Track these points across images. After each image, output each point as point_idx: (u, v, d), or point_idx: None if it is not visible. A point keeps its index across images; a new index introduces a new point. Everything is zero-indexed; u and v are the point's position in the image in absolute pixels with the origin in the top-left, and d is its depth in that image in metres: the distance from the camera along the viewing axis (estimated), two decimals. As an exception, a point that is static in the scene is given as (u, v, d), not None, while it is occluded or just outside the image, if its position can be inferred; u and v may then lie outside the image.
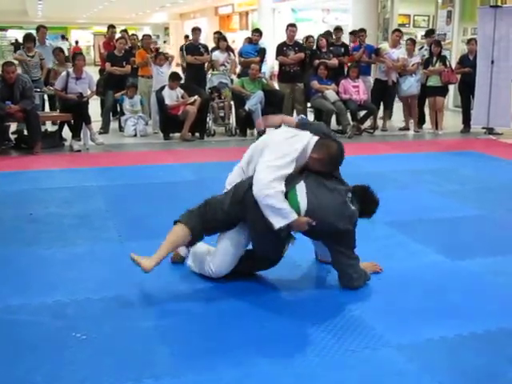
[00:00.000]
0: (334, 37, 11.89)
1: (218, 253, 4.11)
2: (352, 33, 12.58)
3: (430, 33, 12.24)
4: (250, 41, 12.28)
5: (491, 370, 3.14)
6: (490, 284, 4.23)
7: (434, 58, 10.95)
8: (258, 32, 12.10)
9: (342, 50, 11.66)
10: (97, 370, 3.09)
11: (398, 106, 11.99)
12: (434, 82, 10.97)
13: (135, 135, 10.41)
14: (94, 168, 7.97)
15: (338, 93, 10.85)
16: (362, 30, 12.07)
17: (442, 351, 3.31)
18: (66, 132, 9.71)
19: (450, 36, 15.36)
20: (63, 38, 28.14)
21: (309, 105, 11.43)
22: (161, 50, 13.77)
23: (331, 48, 11.48)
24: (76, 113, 9.35)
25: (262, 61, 11.42)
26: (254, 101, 10.23)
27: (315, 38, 12.05)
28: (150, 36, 12.58)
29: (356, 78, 11.05)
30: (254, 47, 11.77)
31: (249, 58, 11.48)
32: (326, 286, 4.23)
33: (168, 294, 4.04)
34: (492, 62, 10.48)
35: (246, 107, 10.21)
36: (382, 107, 11.65)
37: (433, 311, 3.72)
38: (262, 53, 11.66)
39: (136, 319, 3.66)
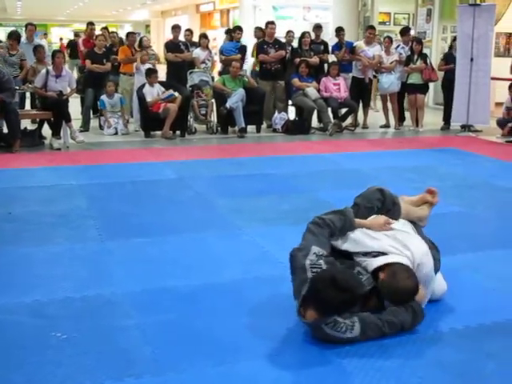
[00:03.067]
0: (313, 35, 11.88)
1: None
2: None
3: (405, 31, 12.28)
4: (230, 38, 12.26)
5: (471, 365, 3.16)
6: (469, 280, 4.26)
7: (415, 56, 11.00)
8: (239, 29, 12.09)
9: (322, 47, 11.66)
10: (77, 369, 3.07)
11: (377, 104, 12.01)
12: (414, 79, 11.02)
13: (116, 133, 10.35)
14: (75, 166, 7.92)
15: (318, 90, 10.87)
16: (341, 29, 12.09)
17: (423, 347, 3.33)
18: (46, 130, 9.64)
19: (430, 34, 15.44)
20: (45, 35, 27.97)
21: (290, 102, 11.43)
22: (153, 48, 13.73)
23: (312, 46, 11.48)
24: (56, 111, 9.28)
25: (243, 58, 11.40)
26: (235, 98, 10.23)
27: (295, 33, 12.06)
28: (134, 33, 12.52)
29: (337, 76, 11.08)
30: (235, 45, 11.76)
31: (230, 55, 11.47)
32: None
33: (150, 292, 4.01)
34: (471, 59, 10.55)
35: (228, 105, 10.21)
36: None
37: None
38: (242, 50, 11.65)
39: (117, 318, 3.64)
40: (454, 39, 11.63)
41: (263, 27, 12.00)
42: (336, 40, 11.87)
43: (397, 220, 3.77)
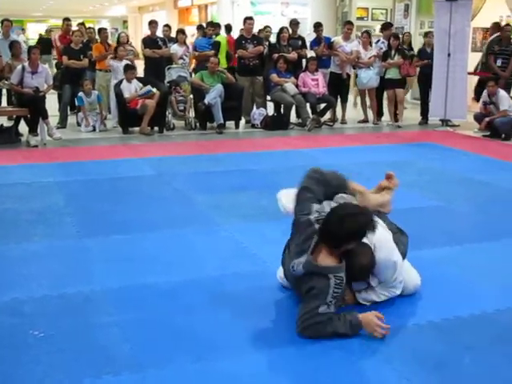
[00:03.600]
0: (290, 30, 11.88)
1: None
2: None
3: (386, 26, 12.33)
4: (204, 34, 12.22)
5: (448, 357, 3.19)
6: (447, 273, 4.29)
7: (393, 51, 11.05)
8: (212, 25, 12.05)
9: (300, 43, 11.67)
10: (55, 367, 3.06)
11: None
12: (392, 74, 11.07)
13: (94, 130, 10.28)
14: (52, 163, 7.85)
15: (297, 86, 10.88)
16: (320, 25, 12.09)
17: (401, 340, 3.35)
18: (23, 127, 9.54)
19: (408, 29, 15.51)
20: (23, 30, 27.72)
21: (268, 98, 11.43)
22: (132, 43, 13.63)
23: (290, 41, 11.48)
24: (32, 107, 9.20)
25: (216, 54, 11.39)
26: (214, 94, 10.21)
27: (272, 28, 12.06)
28: (106, 29, 12.43)
29: (315, 71, 11.10)
30: (208, 40, 11.74)
31: (203, 51, 11.45)
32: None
33: (129, 289, 4.00)
34: (448, 54, 10.60)
35: (206, 101, 10.18)
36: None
37: (391, 300, 3.75)
38: (216, 46, 11.63)
39: (96, 315, 3.62)
40: (426, 34, 11.70)
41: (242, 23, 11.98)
42: (314, 35, 11.87)
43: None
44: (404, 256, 3.84)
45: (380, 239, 3.58)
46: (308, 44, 11.88)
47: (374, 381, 2.98)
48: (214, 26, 12.23)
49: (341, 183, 3.81)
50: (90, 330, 3.44)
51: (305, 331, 3.33)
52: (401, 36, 12.11)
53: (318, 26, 11.86)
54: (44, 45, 14.65)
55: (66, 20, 12.28)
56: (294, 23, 11.96)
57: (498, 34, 11.35)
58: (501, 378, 3.00)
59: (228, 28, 14.11)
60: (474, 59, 12.38)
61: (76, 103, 10.71)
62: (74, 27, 12.86)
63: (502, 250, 4.79)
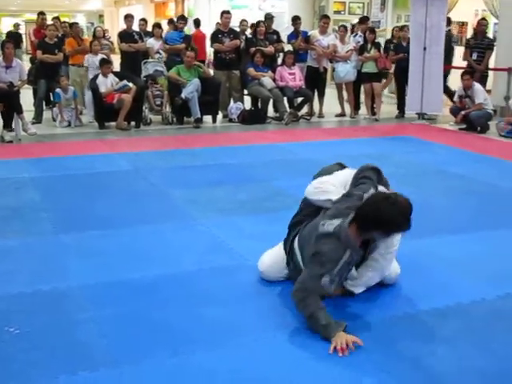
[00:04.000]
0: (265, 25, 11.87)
1: None
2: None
3: (363, 20, 12.37)
4: (175, 28, 12.17)
5: (423, 348, 3.21)
6: (422, 266, 4.33)
7: (369, 45, 11.08)
8: (182, 19, 12.02)
9: (275, 37, 11.67)
10: (30, 364, 3.03)
11: (333, 93, 12.06)
12: (369, 68, 11.11)
13: (69, 125, 10.19)
14: (27, 159, 7.78)
15: (274, 80, 10.88)
16: (298, 18, 12.10)
17: (378, 332, 3.37)
18: (-3, 122, 9.46)
19: (384, 23, 15.59)
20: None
21: (245, 92, 11.42)
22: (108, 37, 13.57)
23: (266, 35, 11.48)
24: (6, 102, 9.09)
25: (187, 48, 11.35)
26: (191, 89, 10.17)
27: (248, 22, 12.05)
28: (78, 24, 12.35)
29: (292, 65, 11.10)
30: (179, 34, 11.70)
31: (174, 44, 11.41)
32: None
33: (105, 285, 3.98)
34: (424, 48, 10.66)
35: (183, 95, 10.14)
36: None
37: (367, 293, 3.76)
38: (187, 40, 11.59)
39: (72, 312, 3.60)
40: (401, 29, 11.75)
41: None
42: (292, 29, 11.88)
43: None
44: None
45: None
46: (285, 38, 11.89)
47: (350, 373, 2.99)
48: (185, 19, 12.19)
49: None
50: (66, 327, 3.42)
51: (295, 296, 3.37)
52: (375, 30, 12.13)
53: (295, 20, 11.87)
54: (13, 39, 14.50)
55: (41, 14, 12.18)
56: (269, 18, 11.97)
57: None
58: (475, 369, 3.03)
59: (197, 22, 14.13)
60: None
61: (52, 99, 10.62)
62: (50, 21, 12.72)
63: (477, 242, 4.83)
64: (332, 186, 3.75)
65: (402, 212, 3.33)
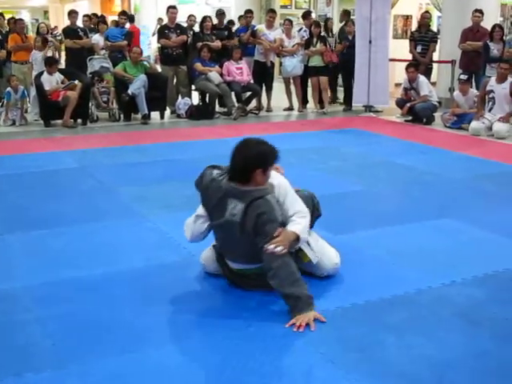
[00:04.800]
0: (216, 20, 11.83)
1: None
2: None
3: (307, 14, 12.43)
4: (116, 24, 12.02)
5: (371, 338, 3.24)
6: (369, 256, 4.37)
7: (315, 39, 11.13)
8: (124, 15, 11.91)
9: (226, 33, 11.64)
10: (-27, 367, 2.96)
11: (281, 87, 12.09)
12: (316, 62, 11.16)
13: (14, 124, 9.98)
14: (-31, 159, 7.60)
15: (221, 75, 10.84)
16: (250, 12, 12.11)
17: (325, 323, 3.38)
18: None
19: (331, 17, 15.66)
20: None
21: (193, 87, 11.36)
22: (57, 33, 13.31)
23: (214, 31, 11.43)
24: None
25: (129, 44, 11.25)
26: (137, 84, 10.07)
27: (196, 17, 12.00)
28: (22, 20, 12.08)
29: (239, 60, 11.08)
30: (121, 30, 11.56)
31: (116, 41, 11.29)
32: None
33: (50, 284, 3.91)
34: (370, 41, 10.77)
35: (130, 91, 10.03)
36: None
37: (315, 285, 3.77)
38: (128, 36, 11.49)
39: (16, 313, 3.53)
40: (346, 23, 11.85)
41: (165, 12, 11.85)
42: (241, 23, 11.92)
43: None
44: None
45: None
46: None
47: (298, 364, 3.00)
48: (127, 15, 12.06)
49: None
50: (10, 328, 3.35)
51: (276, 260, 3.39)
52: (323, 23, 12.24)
53: (247, 13, 11.89)
54: None
55: (-17, 11, 11.89)
56: (220, 13, 11.94)
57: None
58: (424, 356, 3.07)
59: (131, 18, 14.03)
60: (396, 46, 12.64)
61: (3, 98, 10.40)
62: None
63: (423, 232, 4.90)
64: None
65: (264, 145, 3.66)
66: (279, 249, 3.35)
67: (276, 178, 3.71)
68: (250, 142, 3.64)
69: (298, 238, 3.52)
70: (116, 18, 13.48)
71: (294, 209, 3.61)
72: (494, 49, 10.04)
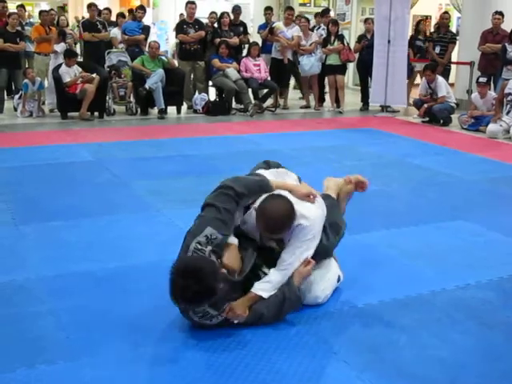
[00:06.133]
0: (232, 16, 11.83)
1: None
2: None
3: (325, 12, 12.41)
4: (133, 18, 12.04)
5: (384, 338, 3.23)
6: (384, 256, 4.36)
7: (332, 37, 11.10)
8: (142, 9, 11.93)
9: (241, 29, 11.65)
10: (-13, 357, 2.98)
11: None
12: (333, 60, 11.14)
13: (31, 115, 10.03)
14: (-13, 149, 7.65)
15: (239, 71, 10.84)
16: (269, 9, 12.11)
17: (338, 322, 3.39)
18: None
19: (349, 16, 15.63)
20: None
21: (210, 83, 11.36)
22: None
23: (231, 27, 11.44)
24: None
25: (146, 39, 11.27)
26: (155, 79, 10.10)
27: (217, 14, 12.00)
28: (47, 11, 12.12)
29: (257, 57, 11.08)
30: (138, 24, 11.54)
31: (133, 35, 11.30)
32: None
33: (65, 277, 3.93)
34: (388, 41, 10.73)
35: (147, 86, 10.05)
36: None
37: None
38: (146, 30, 11.50)
39: (30, 304, 3.55)
40: (365, 21, 11.81)
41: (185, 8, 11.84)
42: (263, 20, 11.92)
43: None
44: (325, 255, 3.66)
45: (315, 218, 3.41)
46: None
47: (311, 364, 2.99)
48: (144, 9, 12.07)
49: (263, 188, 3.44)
50: (24, 319, 3.37)
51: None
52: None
53: (267, 10, 11.89)
54: None
55: (2, 2, 11.92)
56: (236, 10, 11.93)
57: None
58: (436, 358, 3.05)
59: (121, 14, 14.05)
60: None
61: (14, 88, 10.45)
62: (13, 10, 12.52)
63: (438, 233, 4.88)
64: None
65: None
66: (236, 321, 3.23)
67: (306, 217, 3.33)
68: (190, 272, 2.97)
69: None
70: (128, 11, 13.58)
71: (286, 254, 3.34)
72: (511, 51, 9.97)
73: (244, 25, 11.84)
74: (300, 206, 3.32)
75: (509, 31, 10.07)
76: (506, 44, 9.98)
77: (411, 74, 11.55)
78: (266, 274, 3.36)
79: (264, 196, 3.32)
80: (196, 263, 3.05)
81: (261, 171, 3.60)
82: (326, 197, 3.77)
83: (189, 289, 2.91)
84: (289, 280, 3.32)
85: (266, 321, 3.28)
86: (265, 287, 3.29)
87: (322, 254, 3.51)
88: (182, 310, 3.24)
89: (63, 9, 24.15)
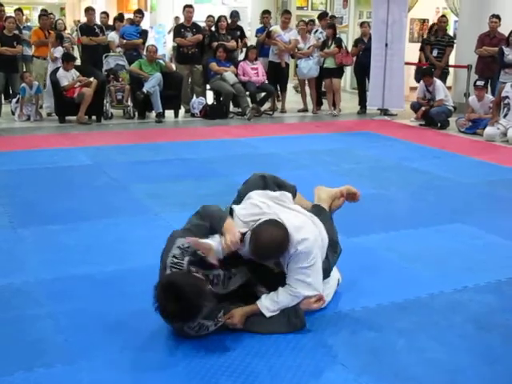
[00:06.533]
0: (230, 21, 11.85)
1: None
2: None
3: (322, 15, 12.43)
4: (131, 22, 12.05)
5: (382, 341, 3.24)
6: (382, 259, 4.36)
7: (330, 41, 11.13)
8: (139, 13, 11.94)
9: (238, 33, 11.67)
10: (-16, 360, 2.98)
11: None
12: (329, 63, 11.18)
13: (28, 119, 10.03)
14: (-16, 153, 7.65)
15: (236, 75, 10.85)
16: (267, 12, 12.13)
17: (336, 325, 3.39)
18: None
19: (347, 19, 15.66)
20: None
21: (208, 87, 11.37)
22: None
23: (229, 31, 11.46)
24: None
25: (144, 43, 11.28)
26: (152, 83, 10.10)
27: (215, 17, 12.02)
28: (46, 15, 12.10)
29: (255, 60, 11.09)
30: (137, 29, 11.55)
31: (131, 39, 11.31)
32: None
33: (63, 280, 3.93)
34: (386, 44, 10.75)
35: (144, 89, 10.05)
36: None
37: (327, 288, 3.77)
38: (144, 34, 11.51)
39: (28, 307, 3.55)
40: (361, 25, 11.82)
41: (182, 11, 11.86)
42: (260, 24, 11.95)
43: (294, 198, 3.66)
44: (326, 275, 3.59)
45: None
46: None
47: (309, 366, 2.99)
48: (142, 13, 12.09)
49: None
50: (22, 322, 3.37)
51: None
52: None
53: (264, 13, 11.91)
54: None
55: (-1, 6, 11.95)
56: (234, 15, 11.96)
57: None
58: (434, 361, 3.06)
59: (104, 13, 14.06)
60: (412, 49, 12.59)
61: (11, 92, 10.44)
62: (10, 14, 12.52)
63: (436, 236, 4.88)
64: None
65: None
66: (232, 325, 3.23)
67: (304, 242, 3.25)
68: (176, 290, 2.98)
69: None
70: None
71: (293, 281, 3.28)
72: (509, 54, 9.97)
73: (241, 29, 11.86)
74: (297, 232, 3.25)
75: (506, 35, 10.08)
76: (504, 47, 10.00)
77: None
78: (262, 293, 3.35)
79: (262, 220, 3.26)
80: (179, 283, 3.00)
81: (254, 197, 3.49)
82: (319, 210, 3.75)
83: (176, 309, 2.95)
84: (296, 306, 3.29)
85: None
86: (270, 306, 3.26)
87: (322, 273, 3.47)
88: (176, 329, 3.23)
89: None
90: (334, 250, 3.67)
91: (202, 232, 3.34)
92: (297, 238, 3.22)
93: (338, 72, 11.31)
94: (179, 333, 3.22)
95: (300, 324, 3.30)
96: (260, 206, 3.39)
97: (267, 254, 3.21)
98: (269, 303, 3.27)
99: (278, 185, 3.67)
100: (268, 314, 3.26)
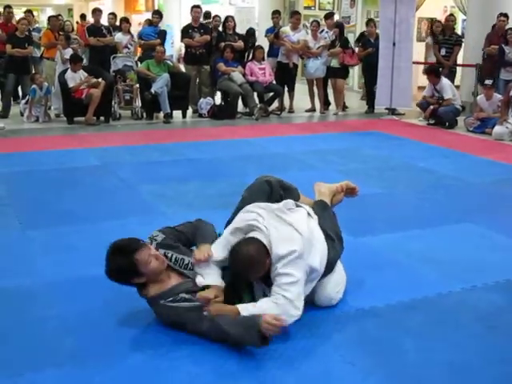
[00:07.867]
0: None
1: None
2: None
3: (329, 15, 12.41)
4: (150, 23, 12.08)
5: (390, 341, 3.24)
6: (389, 259, 4.36)
7: (336, 41, 11.13)
8: (157, 14, 11.96)
9: (250, 44, 11.71)
10: (-5, 361, 3.00)
11: (303, 88, 12.09)
12: (333, 63, 11.20)
13: (37, 120, 10.07)
14: (-6, 154, 7.68)
15: (244, 75, 10.86)
16: (277, 12, 12.14)
17: (344, 325, 3.40)
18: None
19: (354, 19, 15.65)
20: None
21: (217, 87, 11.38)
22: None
23: (236, 31, 11.48)
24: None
25: (162, 43, 11.31)
26: (160, 83, 10.12)
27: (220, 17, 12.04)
28: (56, 17, 12.17)
29: (262, 60, 11.10)
30: (154, 29, 11.61)
31: (149, 40, 11.33)
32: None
33: (72, 281, 3.95)
34: (393, 44, 10.73)
35: (152, 90, 10.08)
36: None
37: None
38: (162, 35, 11.54)
39: (38, 308, 3.57)
40: (367, 24, 11.79)
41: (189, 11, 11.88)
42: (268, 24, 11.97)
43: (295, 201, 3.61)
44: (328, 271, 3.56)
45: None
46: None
47: (317, 366, 2.99)
48: (160, 14, 12.12)
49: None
50: (32, 324, 3.39)
51: None
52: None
53: (274, 14, 11.93)
54: None
55: (7, 7, 11.99)
56: (251, 32, 12.05)
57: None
58: (442, 361, 3.05)
59: (82, 16, 14.13)
60: (419, 49, 12.57)
61: (21, 93, 10.48)
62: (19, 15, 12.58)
63: (444, 236, 4.87)
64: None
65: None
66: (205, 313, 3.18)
67: (283, 260, 3.19)
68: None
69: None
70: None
71: (275, 295, 3.18)
72: (510, 52, 9.95)
73: (254, 41, 11.93)
74: (279, 246, 3.20)
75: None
76: (503, 45, 9.97)
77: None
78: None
79: (242, 238, 3.28)
80: (120, 242, 3.41)
81: (254, 211, 3.41)
82: (324, 207, 3.76)
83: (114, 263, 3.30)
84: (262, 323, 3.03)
85: (230, 340, 3.12)
86: (247, 307, 3.19)
87: (328, 267, 3.49)
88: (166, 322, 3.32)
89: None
90: (341, 243, 3.69)
91: (183, 242, 3.63)
92: (278, 254, 3.18)
93: (342, 72, 11.30)
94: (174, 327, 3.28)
95: (255, 340, 3.04)
96: (253, 224, 3.32)
97: (244, 272, 3.21)
98: (247, 305, 3.21)
99: (284, 188, 3.69)
100: (244, 313, 3.16)
